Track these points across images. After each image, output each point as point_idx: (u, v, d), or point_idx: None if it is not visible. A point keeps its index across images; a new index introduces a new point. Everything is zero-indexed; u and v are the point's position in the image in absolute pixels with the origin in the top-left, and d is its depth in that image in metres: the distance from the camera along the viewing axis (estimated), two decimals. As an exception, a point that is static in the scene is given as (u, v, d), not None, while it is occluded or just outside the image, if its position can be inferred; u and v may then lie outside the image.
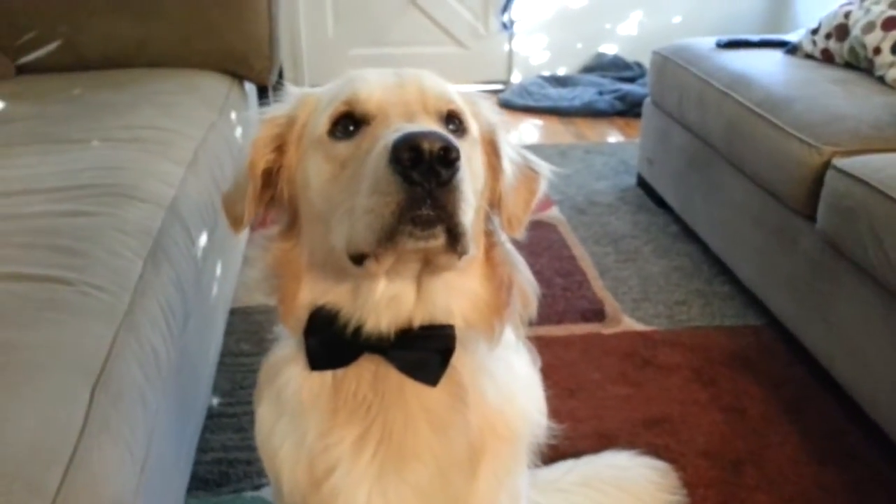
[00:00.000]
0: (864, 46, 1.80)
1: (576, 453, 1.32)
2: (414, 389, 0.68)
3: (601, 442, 1.40)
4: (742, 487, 1.33)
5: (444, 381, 0.68)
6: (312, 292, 0.67)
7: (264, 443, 0.73)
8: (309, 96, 0.70)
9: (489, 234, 0.72)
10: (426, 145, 0.54)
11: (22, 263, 0.90)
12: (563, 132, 3.12)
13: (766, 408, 1.53)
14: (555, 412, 1.51)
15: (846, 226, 1.39)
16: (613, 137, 3.07)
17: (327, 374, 0.69)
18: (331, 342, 0.67)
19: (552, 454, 1.27)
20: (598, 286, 1.95)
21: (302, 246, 0.69)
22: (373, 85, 0.65)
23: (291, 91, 0.72)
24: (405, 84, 0.66)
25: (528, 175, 0.74)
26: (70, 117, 1.47)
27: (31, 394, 0.71)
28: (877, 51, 1.77)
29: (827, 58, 1.93)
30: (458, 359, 0.68)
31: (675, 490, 1.30)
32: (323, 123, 0.65)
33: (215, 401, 1.47)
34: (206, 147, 1.44)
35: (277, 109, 0.70)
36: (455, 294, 0.67)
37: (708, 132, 1.94)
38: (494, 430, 0.75)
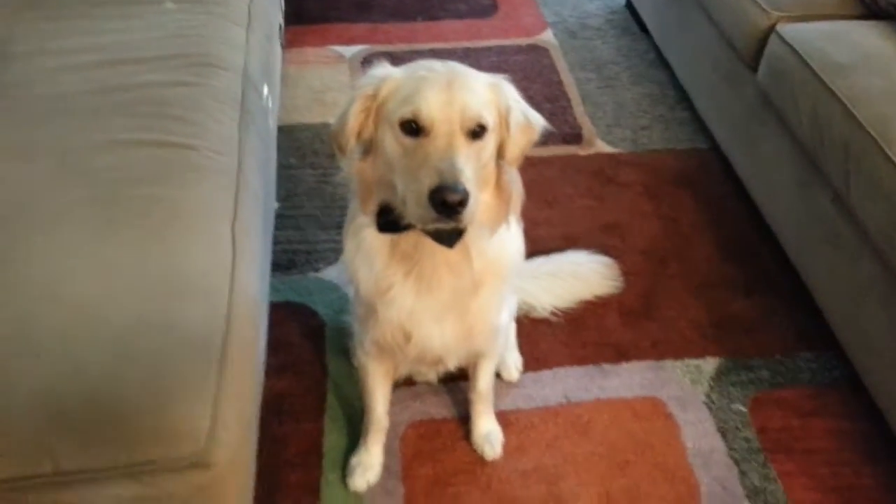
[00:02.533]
0: None
1: (547, 251, 1.79)
2: (439, 248, 1.08)
3: (567, 243, 1.87)
4: (664, 276, 1.84)
5: (458, 245, 1.08)
6: (379, 195, 1.05)
7: (349, 265, 1.17)
8: (389, 80, 1.01)
9: (499, 168, 1.07)
10: (451, 199, 0.91)
11: (156, 131, 1.25)
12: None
13: (696, 217, 1.99)
14: (534, 220, 2.01)
15: (777, 83, 1.72)
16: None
17: (388, 236, 1.10)
18: (391, 220, 1.07)
19: (529, 250, 1.75)
20: (580, 111, 2.31)
21: (374, 168, 1.04)
22: (430, 104, 0.95)
23: (377, 73, 1.03)
24: (452, 103, 0.96)
25: (527, 128, 1.06)
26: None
27: (191, 237, 1.11)
28: None
29: None
30: (468, 234, 1.07)
31: (616, 278, 1.80)
32: (397, 116, 0.97)
33: (277, 205, 1.91)
34: (255, 2, 1.71)
35: (367, 87, 1.01)
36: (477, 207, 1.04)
37: (688, -26, 2.16)
38: (490, 269, 1.16)
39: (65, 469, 0.89)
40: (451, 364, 1.30)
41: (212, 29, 1.54)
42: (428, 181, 0.93)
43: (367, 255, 1.12)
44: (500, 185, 1.08)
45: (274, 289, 1.75)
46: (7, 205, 1.09)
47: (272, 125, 1.76)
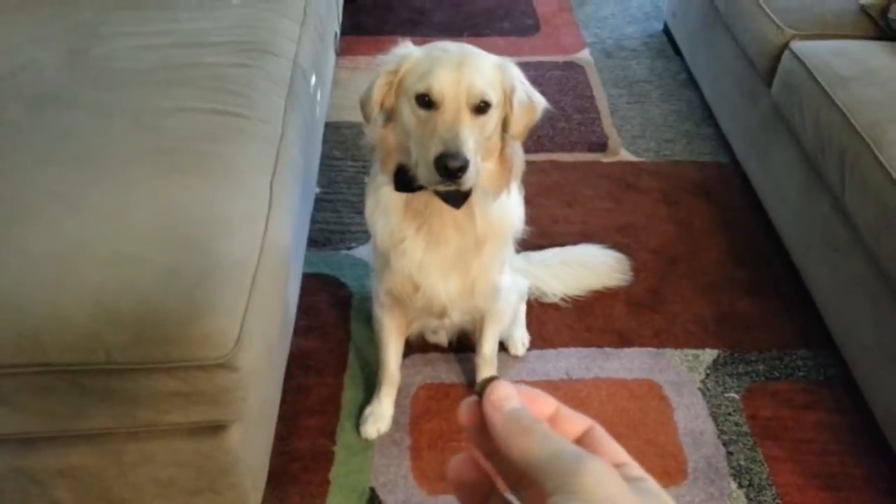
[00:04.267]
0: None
1: (563, 244, 1.93)
2: (447, 208, 1.23)
3: (582, 239, 1.99)
4: (673, 275, 1.94)
5: (464, 207, 1.22)
6: (398, 158, 1.21)
7: (369, 218, 1.33)
8: (409, 57, 1.16)
9: (503, 141, 1.20)
10: (451, 164, 1.06)
11: (214, 102, 1.45)
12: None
13: (710, 224, 2.09)
14: (553, 218, 2.15)
15: (787, 96, 1.83)
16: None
17: (403, 195, 1.25)
18: (406, 180, 1.22)
19: (546, 243, 1.90)
20: (607, 123, 2.44)
21: (394, 134, 1.20)
22: (442, 82, 1.09)
23: (399, 51, 1.19)
24: (460, 81, 1.09)
25: (530, 107, 1.20)
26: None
27: (236, 186, 1.29)
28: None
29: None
30: (473, 197, 1.21)
31: (625, 272, 1.91)
32: (413, 90, 1.12)
33: (318, 190, 2.10)
34: (311, 4, 1.92)
35: (390, 63, 1.17)
36: (480, 173, 1.17)
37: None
38: (492, 230, 1.30)
39: (115, 360, 1.06)
40: (455, 317, 1.43)
41: (269, 22, 1.75)
42: (434, 149, 1.09)
43: (384, 210, 1.28)
44: (503, 156, 1.23)
45: (309, 262, 1.93)
46: (87, 151, 1.29)
47: (318, 114, 1.96)
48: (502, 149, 1.22)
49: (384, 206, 1.28)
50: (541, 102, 1.23)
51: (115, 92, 1.46)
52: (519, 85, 1.19)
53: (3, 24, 1.71)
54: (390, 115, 1.21)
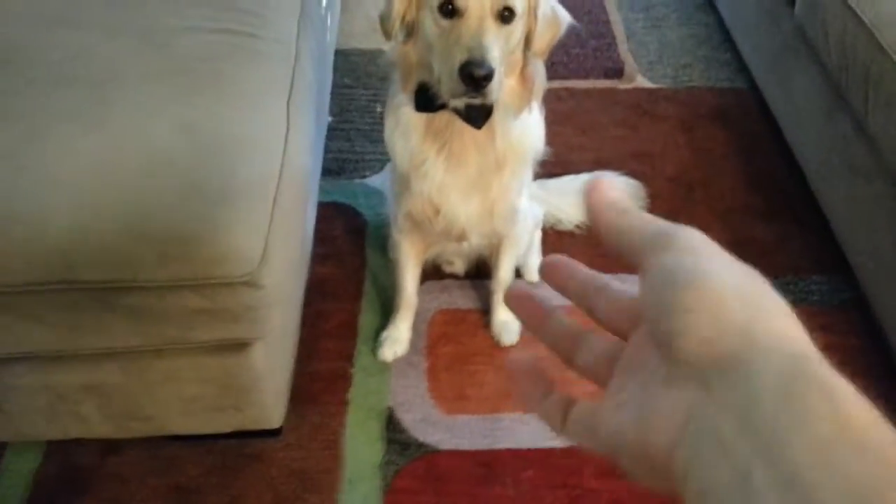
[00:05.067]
0: None
1: (578, 172, 1.91)
2: (468, 128, 1.21)
3: (598, 167, 1.97)
4: (690, 202, 1.93)
5: (485, 127, 1.22)
6: (419, 75, 1.18)
7: (388, 139, 1.31)
8: None
9: (525, 58, 1.18)
10: (476, 73, 1.03)
11: (226, 21, 1.41)
12: None
13: (727, 150, 2.07)
14: (568, 145, 2.12)
15: (811, 17, 1.78)
16: None
17: (424, 115, 1.23)
18: (427, 99, 1.21)
19: (561, 171, 1.88)
20: (623, 49, 2.39)
21: (415, 50, 1.17)
22: None
23: None
24: None
25: (554, 22, 1.17)
26: None
27: (253, 107, 1.28)
28: None
29: None
30: (494, 116, 1.20)
31: (641, 200, 1.90)
32: (436, 0, 1.09)
33: (330, 118, 2.08)
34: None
35: None
36: (502, 88, 1.15)
37: (739, -86, 2.20)
38: (513, 151, 1.29)
39: (142, 278, 1.06)
40: (475, 240, 1.43)
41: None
42: (459, 57, 1.06)
43: (404, 131, 1.27)
44: (524, 74, 1.20)
45: (324, 190, 1.91)
46: (102, 71, 1.27)
47: (329, 38, 1.92)
48: (524, 66, 1.20)
49: (404, 127, 1.26)
50: (566, 18, 1.20)
51: (124, 11, 1.42)
52: (542, 2, 1.16)
53: (4, -57, 1.66)
54: (411, 31, 1.18)
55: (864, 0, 1.59)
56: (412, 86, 1.21)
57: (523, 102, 1.22)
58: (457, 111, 1.20)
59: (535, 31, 1.16)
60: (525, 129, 1.28)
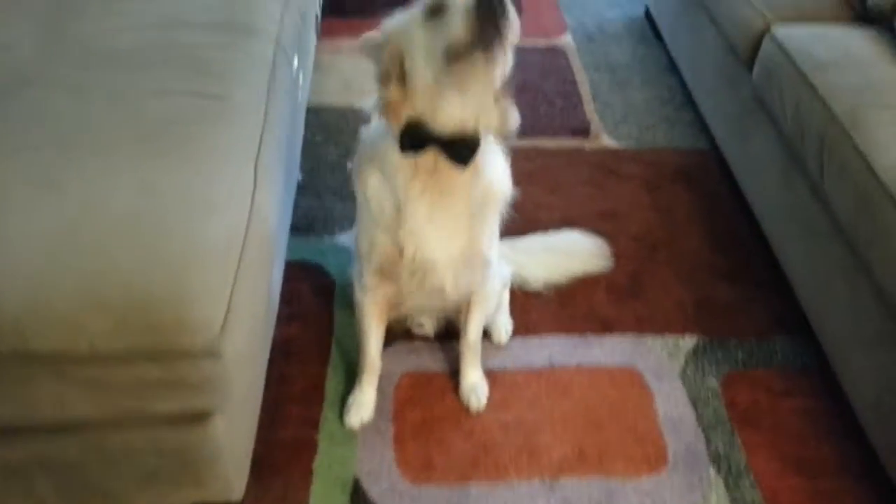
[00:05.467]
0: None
1: (545, 230, 1.93)
2: (453, 168, 1.23)
3: (565, 225, 1.98)
4: (653, 262, 1.96)
5: (469, 166, 1.24)
6: (408, 110, 1.19)
7: (369, 188, 1.30)
8: (393, 20, 1.19)
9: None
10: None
11: (196, 83, 1.41)
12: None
13: (691, 211, 2.11)
14: (536, 203, 2.15)
15: (768, 81, 1.84)
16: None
17: (407, 158, 1.24)
18: (415, 138, 1.21)
19: (528, 229, 1.90)
20: (590, 109, 2.45)
21: (406, 85, 1.17)
22: None
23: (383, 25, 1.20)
24: None
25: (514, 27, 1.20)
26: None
27: (219, 168, 1.27)
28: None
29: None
30: (478, 157, 1.23)
31: (606, 258, 1.92)
32: (420, 19, 1.14)
33: (301, 176, 2.08)
34: (292, -17, 1.89)
35: (381, 34, 1.20)
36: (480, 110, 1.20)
37: (697, -16, 2.30)
38: (489, 192, 1.32)
39: (98, 348, 1.04)
40: (449, 290, 1.39)
41: (250, 2, 1.71)
42: (466, 3, 1.07)
43: (389, 176, 1.27)
44: (498, 101, 1.22)
45: (292, 249, 1.90)
46: (66, 134, 1.25)
47: (300, 97, 1.93)
48: (498, 95, 1.23)
49: (389, 171, 1.27)
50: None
51: (93, 73, 1.42)
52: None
53: (-28, 1, 1.66)
54: (401, 76, 1.20)
55: (817, 68, 1.66)
56: (401, 121, 1.22)
57: (503, 127, 1.24)
58: (444, 147, 1.21)
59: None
60: (497, 170, 1.32)
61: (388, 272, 1.37)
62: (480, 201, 1.31)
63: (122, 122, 1.29)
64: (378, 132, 1.28)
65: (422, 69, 1.16)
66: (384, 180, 1.28)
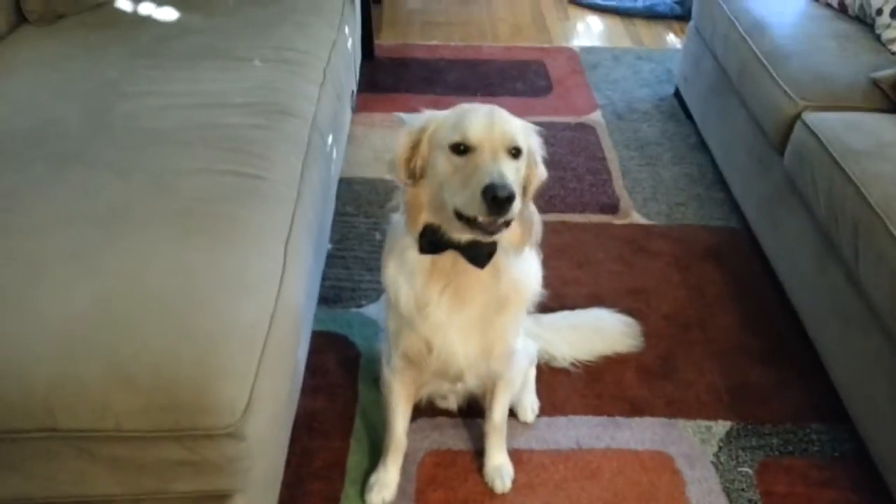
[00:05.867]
0: (869, 4, 2.12)
1: (573, 307, 1.92)
2: (471, 269, 1.23)
3: (593, 302, 1.98)
4: (685, 342, 1.92)
5: (488, 266, 1.23)
6: (427, 217, 1.21)
7: (391, 282, 1.31)
8: (435, 118, 1.20)
9: (522, 200, 1.20)
10: (500, 194, 1.06)
11: (233, 163, 1.46)
12: (621, 34, 3.45)
13: (722, 290, 2.08)
14: (564, 279, 2.14)
15: (800, 167, 1.84)
16: (669, 40, 3.39)
17: (429, 257, 1.24)
18: (432, 241, 1.21)
19: (556, 306, 1.89)
20: (619, 185, 2.46)
21: (424, 193, 1.20)
22: (476, 128, 1.12)
23: (422, 116, 1.22)
24: (493, 126, 1.13)
25: (542, 169, 1.23)
26: (232, 34, 1.98)
27: (251, 248, 1.29)
28: (879, 11, 2.09)
29: (842, 8, 2.25)
30: (497, 256, 1.22)
31: (636, 338, 1.90)
32: (447, 141, 1.14)
33: (329, 246, 2.11)
34: (331, 67, 1.96)
35: (413, 125, 1.20)
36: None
37: (727, 66, 2.33)
38: (514, 291, 1.31)
39: (124, 428, 1.04)
40: (471, 381, 1.42)
41: (290, 84, 1.78)
42: (481, 181, 1.09)
43: (409, 274, 1.28)
44: (522, 216, 1.22)
45: (319, 319, 1.92)
46: (107, 211, 1.30)
47: (333, 171, 1.98)
48: (522, 209, 1.22)
49: (409, 269, 1.28)
50: (544, 173, 1.26)
51: (136, 151, 1.48)
52: (537, 149, 1.23)
53: (28, 80, 1.75)
54: (420, 175, 1.22)
55: (850, 156, 1.66)
56: (419, 227, 1.23)
57: (522, 242, 1.25)
58: (461, 250, 1.22)
59: (533, 177, 1.22)
60: (524, 271, 1.30)
61: (412, 359, 1.37)
62: (503, 300, 1.29)
63: (161, 199, 1.34)
64: (402, 226, 1.29)
65: (440, 191, 1.17)
66: (406, 275, 1.29)
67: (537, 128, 1.25)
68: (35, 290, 1.13)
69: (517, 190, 1.11)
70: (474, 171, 1.11)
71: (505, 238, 1.21)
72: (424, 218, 1.22)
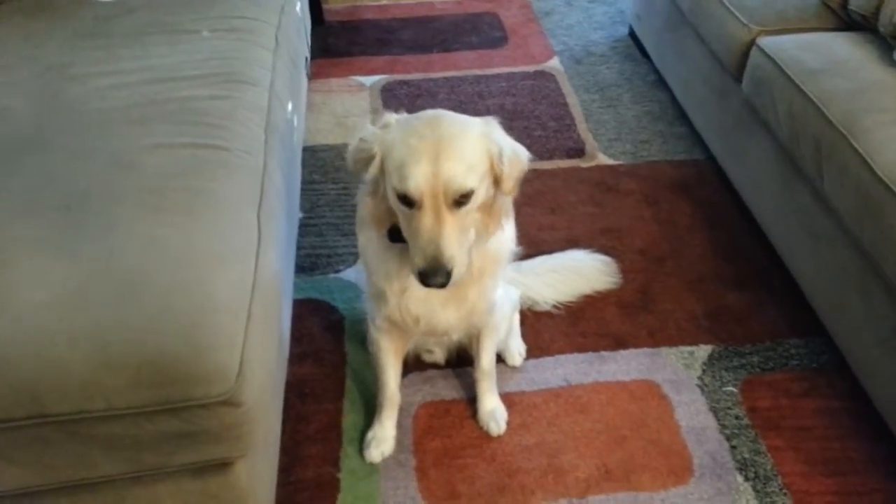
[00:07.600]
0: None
1: (550, 251, 1.94)
2: None
3: (569, 245, 2.00)
4: (661, 274, 1.96)
5: None
6: (390, 222, 1.20)
7: (363, 255, 1.31)
8: (384, 140, 1.14)
9: (495, 196, 1.18)
10: (432, 283, 1.08)
11: (193, 136, 1.43)
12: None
13: (692, 221, 2.12)
14: (538, 225, 2.16)
15: (758, 91, 1.86)
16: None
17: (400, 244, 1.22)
18: (401, 238, 1.18)
19: (534, 252, 1.91)
20: (583, 129, 2.47)
21: (383, 206, 1.18)
22: (417, 181, 1.07)
23: (369, 134, 1.16)
24: (438, 177, 1.07)
25: (516, 161, 1.18)
26: (176, 8, 1.91)
27: (224, 220, 1.27)
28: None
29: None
30: None
31: (614, 275, 1.93)
32: (392, 185, 1.11)
33: (301, 215, 2.09)
34: (282, 31, 1.92)
35: (366, 136, 1.16)
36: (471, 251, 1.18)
37: (679, 1, 2.33)
38: (490, 262, 1.30)
39: (115, 405, 1.03)
40: (455, 336, 1.45)
41: (242, 52, 1.74)
42: (417, 261, 1.10)
43: (383, 258, 1.28)
44: (493, 207, 1.20)
45: (298, 287, 1.91)
46: (69, 195, 1.27)
47: (296, 139, 1.95)
48: (494, 201, 1.20)
49: (382, 254, 1.28)
50: (525, 154, 1.21)
51: (90, 133, 1.44)
52: (504, 144, 1.17)
53: (-30, 71, 1.69)
54: (377, 187, 1.19)
55: (807, 76, 1.68)
56: (384, 230, 1.23)
57: (491, 230, 1.23)
58: None
59: (504, 175, 1.16)
60: (498, 237, 1.28)
61: (396, 323, 1.38)
62: (479, 271, 1.28)
63: (124, 179, 1.31)
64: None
65: (394, 200, 1.15)
66: (380, 254, 1.28)
67: (497, 119, 1.20)
68: (6, 279, 1.10)
69: (459, 254, 1.10)
70: (416, 235, 1.10)
71: (478, 223, 1.20)
72: (388, 222, 1.21)
